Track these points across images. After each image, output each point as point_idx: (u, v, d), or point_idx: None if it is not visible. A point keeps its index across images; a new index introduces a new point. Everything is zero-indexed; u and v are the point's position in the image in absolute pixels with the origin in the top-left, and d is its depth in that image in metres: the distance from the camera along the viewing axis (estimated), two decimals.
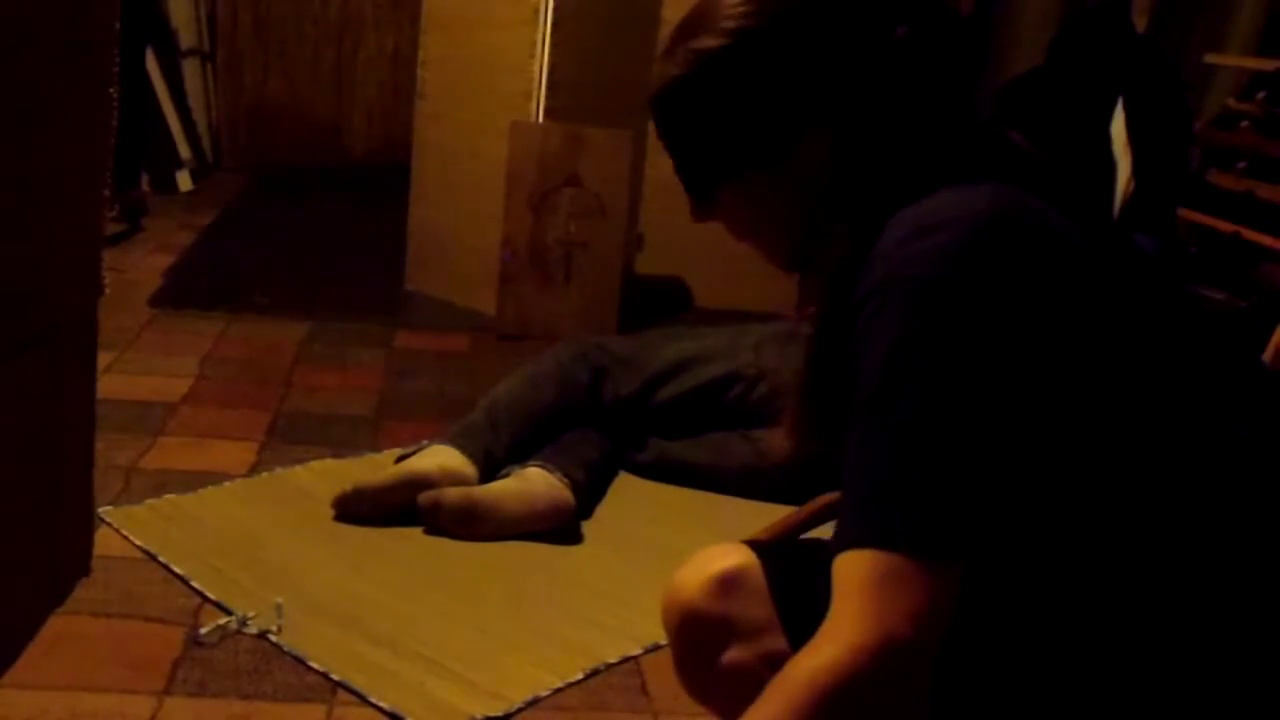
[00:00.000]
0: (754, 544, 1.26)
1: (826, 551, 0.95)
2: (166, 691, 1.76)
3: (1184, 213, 3.86)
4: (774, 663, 1.10)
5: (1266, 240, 3.53)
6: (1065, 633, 1.02)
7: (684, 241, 3.41)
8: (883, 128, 1.07)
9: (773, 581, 1.21)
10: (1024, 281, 0.96)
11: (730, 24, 1.09)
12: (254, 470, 2.52)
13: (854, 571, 0.90)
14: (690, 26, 1.12)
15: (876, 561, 0.89)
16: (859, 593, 0.89)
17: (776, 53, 1.08)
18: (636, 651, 1.96)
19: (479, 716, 1.75)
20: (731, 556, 1.22)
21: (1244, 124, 3.77)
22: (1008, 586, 1.02)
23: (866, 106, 1.07)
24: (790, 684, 0.90)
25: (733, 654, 1.20)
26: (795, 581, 1.20)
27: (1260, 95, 3.78)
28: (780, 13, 1.08)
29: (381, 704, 1.76)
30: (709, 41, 1.09)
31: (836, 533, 0.95)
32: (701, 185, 1.16)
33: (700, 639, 1.22)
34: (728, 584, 1.20)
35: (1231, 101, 3.93)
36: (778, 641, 1.18)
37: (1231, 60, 4.23)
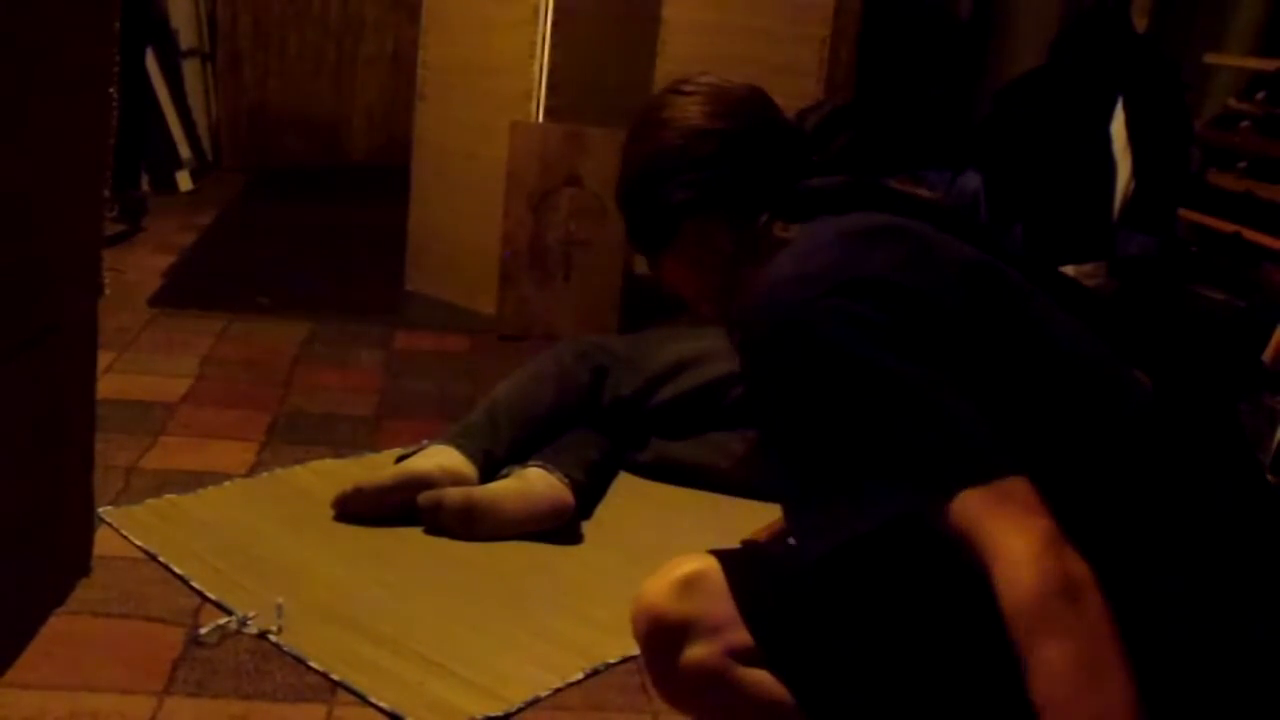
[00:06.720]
0: (719, 551, 1.36)
1: (780, 550, 1.09)
2: (166, 691, 1.76)
3: (1184, 213, 3.86)
4: (737, 654, 1.30)
5: (1266, 240, 3.53)
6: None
7: None
8: (746, 208, 1.33)
9: (732, 581, 1.32)
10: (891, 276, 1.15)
11: (623, 155, 1.42)
12: (254, 470, 2.52)
13: (966, 512, 1.02)
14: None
15: (971, 497, 1.02)
16: (989, 520, 1.01)
17: (650, 181, 1.38)
18: (636, 651, 1.94)
19: (479, 716, 1.75)
20: (692, 562, 1.34)
21: (1244, 124, 3.77)
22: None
23: (725, 202, 1.35)
24: (1025, 617, 0.98)
25: (697, 650, 1.31)
26: (754, 580, 1.32)
27: (1260, 95, 3.78)
28: (644, 159, 1.38)
29: (381, 704, 1.76)
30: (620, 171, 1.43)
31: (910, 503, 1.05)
32: (646, 254, 1.45)
33: (666, 640, 1.32)
34: (688, 586, 1.32)
35: (1231, 101, 3.93)
36: (739, 635, 1.30)
37: (1231, 60, 4.23)
